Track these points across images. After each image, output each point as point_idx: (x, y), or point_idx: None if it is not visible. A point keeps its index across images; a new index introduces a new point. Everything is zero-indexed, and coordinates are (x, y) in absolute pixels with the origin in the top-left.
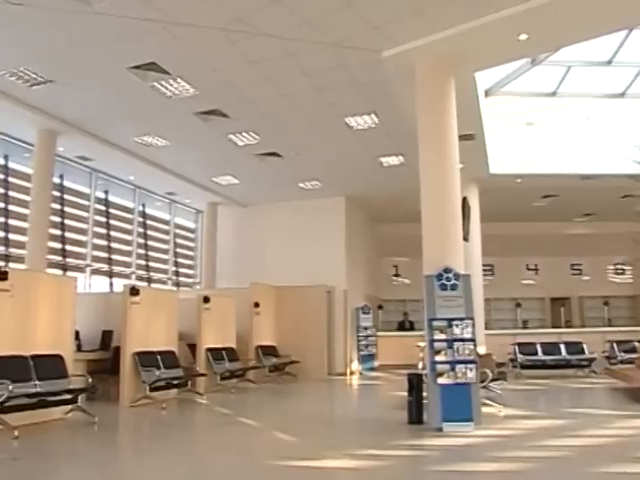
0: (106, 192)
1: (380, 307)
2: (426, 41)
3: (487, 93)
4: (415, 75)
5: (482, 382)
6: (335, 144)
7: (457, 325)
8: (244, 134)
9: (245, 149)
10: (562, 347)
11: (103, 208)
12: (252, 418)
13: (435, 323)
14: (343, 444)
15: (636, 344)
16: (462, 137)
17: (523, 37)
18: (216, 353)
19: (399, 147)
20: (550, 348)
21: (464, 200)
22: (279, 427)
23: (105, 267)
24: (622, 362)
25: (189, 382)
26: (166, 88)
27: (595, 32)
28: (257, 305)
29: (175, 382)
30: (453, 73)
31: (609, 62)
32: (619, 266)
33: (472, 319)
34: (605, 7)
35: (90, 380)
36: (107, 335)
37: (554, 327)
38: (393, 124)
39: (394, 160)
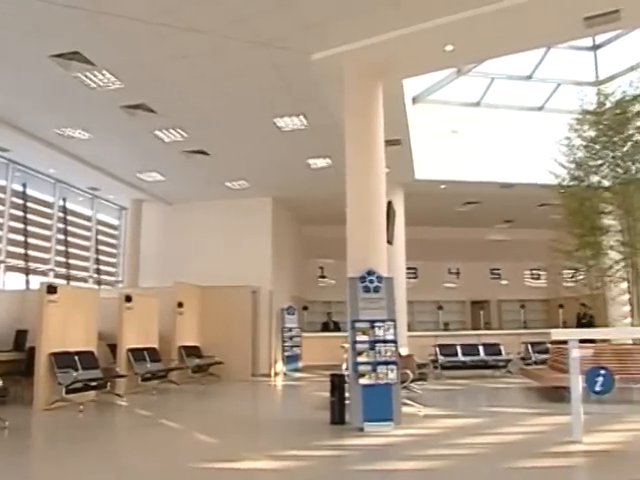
0: (24, 185)
1: (305, 308)
2: (355, 46)
3: (414, 100)
4: (344, 79)
5: (403, 383)
6: (263, 144)
7: (379, 327)
8: (171, 130)
9: (172, 146)
10: (481, 348)
11: (20, 202)
12: (173, 420)
13: (358, 325)
14: (264, 445)
15: (549, 345)
16: (389, 142)
17: (449, 48)
18: (137, 353)
19: (327, 149)
20: (469, 349)
21: (389, 204)
22: (200, 429)
23: (21, 263)
24: (536, 362)
25: (109, 383)
26: (90, 79)
27: (516, 48)
28: (181, 305)
29: (93, 384)
30: (381, 79)
31: (529, 77)
32: (535, 271)
33: (394, 321)
34: (525, 25)
35: (1, 382)
36: (21, 335)
37: (474, 329)
38: (322, 126)
39: (322, 162)
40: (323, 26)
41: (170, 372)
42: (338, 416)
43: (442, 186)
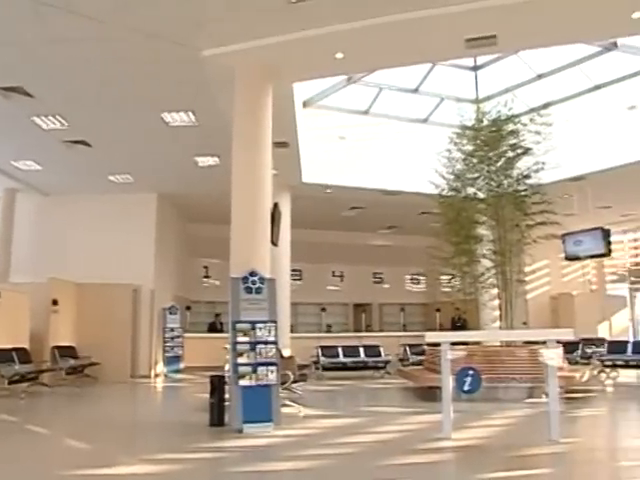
0: None
1: (188, 308)
2: (247, 46)
3: (305, 104)
4: (235, 78)
5: (284, 384)
6: (150, 139)
7: (260, 328)
8: (50, 118)
9: (51, 134)
10: (361, 350)
11: None
12: (42, 425)
13: (239, 325)
14: (140, 449)
15: (425, 347)
16: (277, 144)
17: (340, 56)
18: (4, 354)
19: (215, 148)
20: (350, 351)
21: (275, 206)
22: (72, 434)
23: None
24: (413, 364)
25: None
26: None
27: (403, 61)
28: (55, 302)
29: None
30: (272, 81)
31: (416, 90)
32: (415, 276)
33: (275, 322)
34: (411, 41)
35: None
36: None
37: (356, 331)
38: (211, 124)
39: (209, 161)
40: (215, 23)
41: (41, 374)
42: (217, 418)
43: (328, 190)
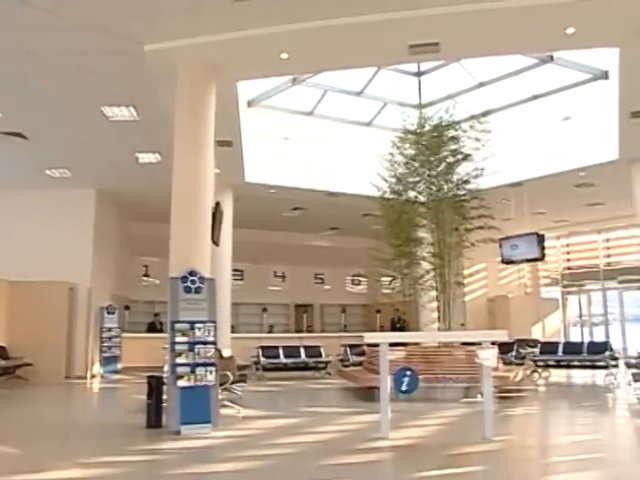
0: None
1: (127, 307)
2: (190, 42)
3: (249, 103)
4: (177, 75)
5: (223, 384)
6: (89, 132)
7: (199, 328)
8: None
9: None
10: (302, 350)
11: None
12: None
13: (177, 325)
14: (75, 452)
15: (365, 348)
16: (220, 143)
17: (284, 56)
18: None
19: (157, 145)
20: (291, 351)
21: (217, 205)
22: (1, 438)
23: None
24: (353, 364)
25: None
26: None
27: (347, 64)
28: None
29: None
30: (215, 79)
31: (360, 93)
32: (356, 278)
33: (215, 322)
34: (356, 44)
35: None
36: None
37: (297, 332)
38: (152, 120)
39: (151, 157)
40: (159, 18)
41: None
42: (154, 419)
43: (271, 190)
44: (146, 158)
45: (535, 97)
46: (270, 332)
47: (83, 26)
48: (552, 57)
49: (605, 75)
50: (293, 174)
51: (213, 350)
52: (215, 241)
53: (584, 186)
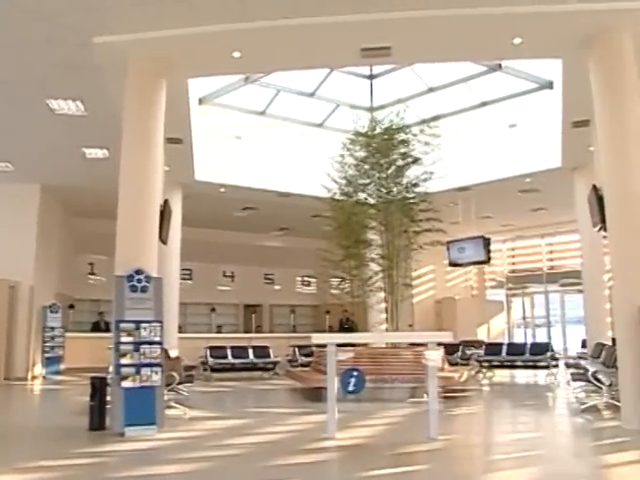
0: None
1: (71, 306)
2: (141, 37)
3: (201, 101)
4: (127, 69)
5: (169, 385)
6: (33, 125)
7: (145, 328)
8: None
9: None
10: (250, 351)
11: None
12: None
13: (122, 325)
14: (13, 457)
15: (314, 348)
16: (170, 140)
17: (237, 54)
18: None
19: (105, 140)
20: (240, 352)
21: (166, 203)
22: None
23: None
24: (302, 365)
25: None
26: None
27: (300, 65)
28: None
29: None
30: (166, 75)
31: (312, 94)
32: (306, 278)
33: (161, 322)
34: (308, 45)
35: None
36: None
37: (246, 332)
38: (100, 115)
39: (99, 153)
40: (109, 9)
41: None
42: (97, 421)
43: (222, 189)
44: (93, 153)
45: (483, 104)
46: (218, 332)
47: (29, 15)
48: (500, 65)
49: (550, 85)
50: (244, 174)
51: (159, 350)
52: (163, 240)
53: (529, 192)
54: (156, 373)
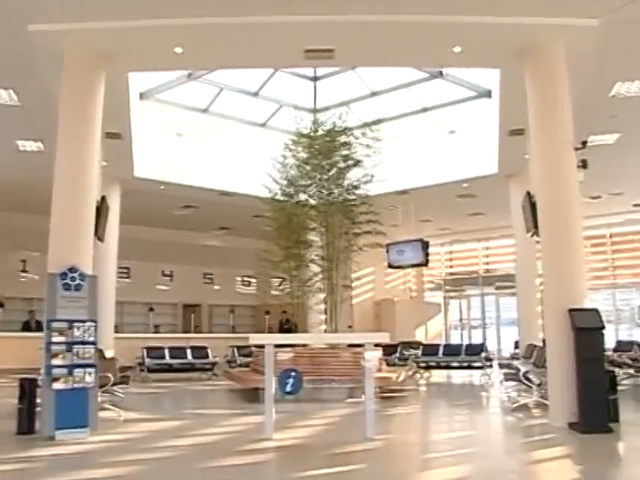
0: None
1: (1, 305)
2: (79, 27)
3: (142, 96)
4: (64, 60)
5: (103, 386)
6: None
7: (78, 327)
8: None
9: None
10: (189, 351)
11: None
12: None
13: (54, 324)
14: None
15: (253, 349)
16: (108, 135)
17: (179, 50)
18: None
19: (40, 133)
20: (177, 352)
21: (103, 199)
22: None
23: None
24: (241, 365)
25: None
26: None
27: (244, 63)
28: None
29: None
30: (105, 68)
31: (256, 93)
32: (246, 278)
33: (95, 321)
34: (252, 44)
35: None
36: None
37: (184, 332)
38: (35, 106)
39: (32, 146)
40: None
41: None
42: (26, 425)
43: (162, 187)
44: (27, 146)
45: (424, 109)
46: (156, 332)
47: None
48: (442, 73)
49: (489, 94)
50: (185, 171)
51: (93, 350)
52: (100, 237)
53: (466, 197)
54: (89, 374)
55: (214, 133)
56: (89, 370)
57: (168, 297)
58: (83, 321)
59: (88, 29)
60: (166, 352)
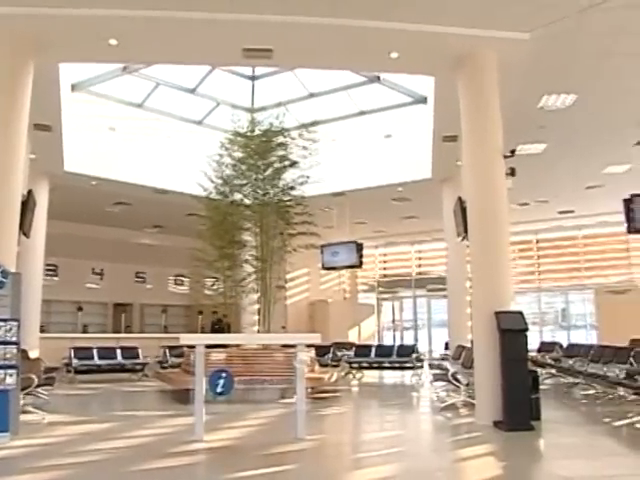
0: None
1: None
2: (5, 12)
3: (74, 87)
4: None
5: (26, 388)
6: None
7: (0, 327)
8: None
9: None
10: (118, 352)
11: None
12: None
13: None
14: None
15: (185, 349)
16: (37, 127)
17: (113, 42)
18: None
19: None
20: (107, 353)
21: (29, 193)
22: None
23: None
24: (172, 366)
25: None
26: None
27: (180, 59)
28: None
29: None
30: (34, 56)
31: (193, 90)
32: (179, 278)
33: (18, 321)
34: (191, 40)
35: None
36: None
37: (115, 332)
38: None
39: None
40: None
41: None
42: None
43: (93, 182)
44: None
45: (362, 113)
46: (85, 332)
47: None
48: (379, 78)
49: (424, 100)
50: (118, 167)
51: (15, 351)
52: (25, 232)
53: (401, 200)
54: (10, 375)
55: (149, 129)
56: (10, 371)
57: (98, 296)
58: (5, 320)
59: (16, 14)
60: (95, 352)
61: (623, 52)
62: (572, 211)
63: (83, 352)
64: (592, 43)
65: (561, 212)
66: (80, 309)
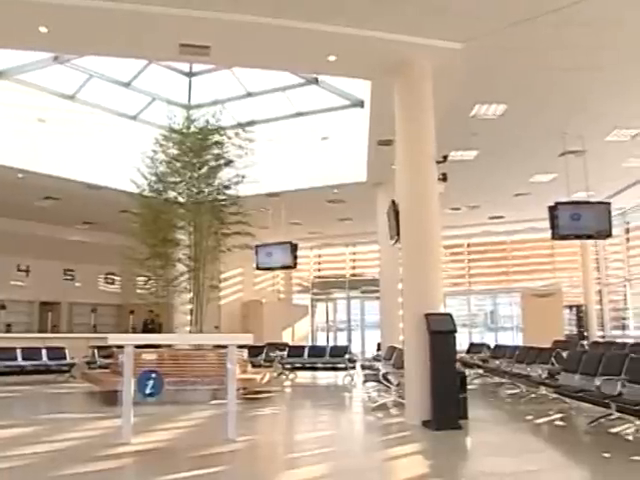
0: None
1: None
2: None
3: (0, 75)
4: None
5: None
6: None
7: None
8: None
9: None
10: (44, 352)
11: None
12: None
13: None
14: None
15: (115, 349)
16: None
17: (43, 30)
18: None
19: None
20: (31, 353)
21: None
22: None
23: None
24: (101, 367)
25: None
26: None
27: (113, 52)
28: None
29: None
30: None
31: (128, 84)
32: (110, 276)
33: None
34: (123, 32)
35: None
36: None
37: (41, 332)
38: None
39: None
40: None
41: None
42: None
43: (20, 175)
44: None
45: (299, 114)
46: (8, 332)
47: None
48: (317, 80)
49: (361, 104)
50: (47, 160)
51: None
52: None
53: (336, 202)
54: None
55: (81, 122)
56: None
57: (23, 294)
58: None
59: None
60: (18, 353)
61: (551, 67)
62: (502, 217)
63: (5, 353)
64: (522, 57)
65: (491, 217)
66: (3, 307)
